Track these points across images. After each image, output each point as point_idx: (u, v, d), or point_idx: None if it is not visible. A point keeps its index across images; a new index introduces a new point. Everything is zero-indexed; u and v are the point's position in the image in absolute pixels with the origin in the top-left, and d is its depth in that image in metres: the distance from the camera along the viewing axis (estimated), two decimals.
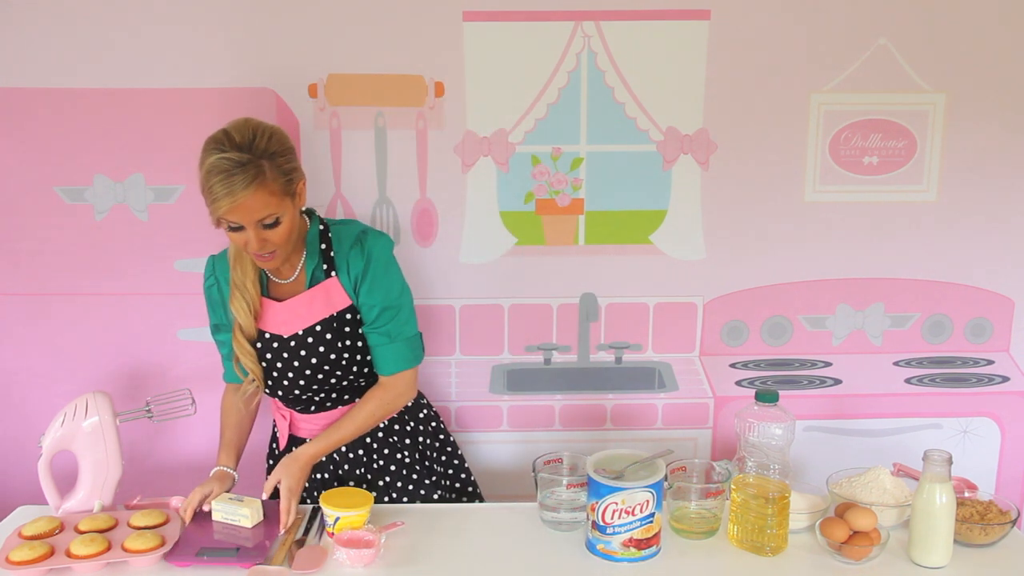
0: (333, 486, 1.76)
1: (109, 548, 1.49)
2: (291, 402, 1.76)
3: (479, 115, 1.99)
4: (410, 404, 1.81)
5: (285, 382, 1.70)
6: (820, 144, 2.03)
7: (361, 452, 1.77)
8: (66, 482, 1.68)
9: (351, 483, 1.76)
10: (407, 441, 1.80)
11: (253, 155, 1.49)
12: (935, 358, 2.17)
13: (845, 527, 1.49)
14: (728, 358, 2.15)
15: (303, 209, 1.68)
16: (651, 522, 1.47)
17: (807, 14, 1.96)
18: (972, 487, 1.67)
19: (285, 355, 1.68)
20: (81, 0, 1.90)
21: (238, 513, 1.58)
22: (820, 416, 2.18)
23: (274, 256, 1.58)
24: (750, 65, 1.99)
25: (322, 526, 1.59)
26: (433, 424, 1.87)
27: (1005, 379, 2.18)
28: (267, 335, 1.68)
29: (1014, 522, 1.55)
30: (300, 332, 1.67)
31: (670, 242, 2.07)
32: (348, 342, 1.68)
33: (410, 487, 1.78)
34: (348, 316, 1.68)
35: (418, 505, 1.75)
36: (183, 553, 1.50)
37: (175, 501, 1.67)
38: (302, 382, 1.69)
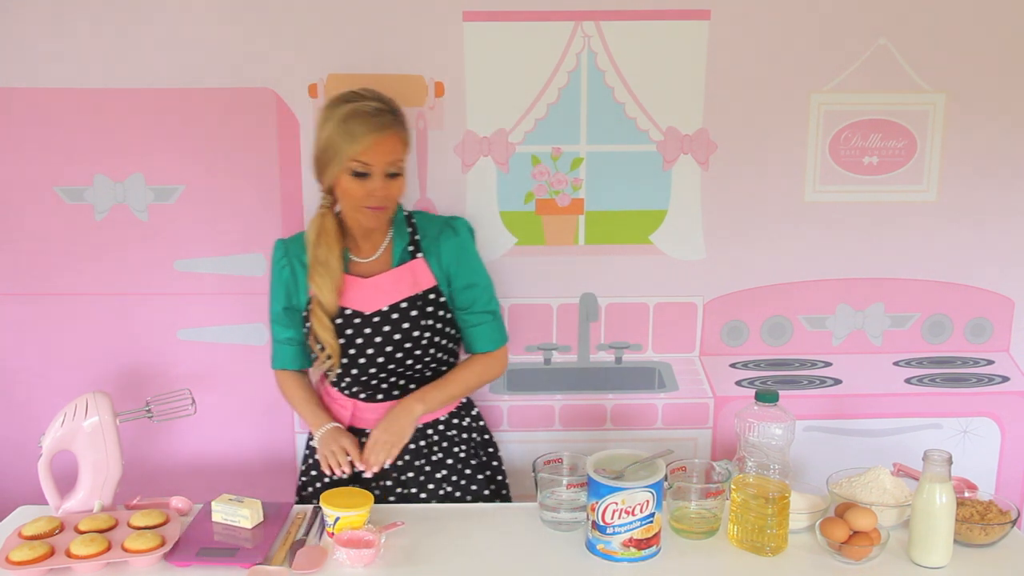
0: (394, 477, 1.77)
1: (109, 548, 1.49)
2: (361, 386, 1.76)
3: (479, 115, 1.99)
4: (464, 401, 1.87)
5: (361, 360, 1.71)
6: (820, 144, 2.03)
7: (422, 444, 1.79)
8: (66, 482, 1.68)
9: (410, 474, 1.77)
10: (463, 436, 1.83)
11: (388, 106, 1.63)
12: (935, 358, 2.17)
13: (845, 527, 1.49)
14: (728, 358, 2.15)
15: None
16: (651, 522, 1.48)
17: (807, 14, 1.96)
18: (972, 487, 1.67)
19: (367, 331, 1.70)
20: (81, 0, 1.90)
21: (238, 514, 1.58)
22: (820, 416, 2.18)
23: (384, 212, 1.66)
24: (750, 65, 1.99)
25: (322, 526, 1.59)
26: (481, 423, 1.90)
27: (1005, 379, 2.18)
28: (347, 311, 1.71)
29: (1014, 522, 1.55)
30: (384, 309, 1.70)
31: (670, 242, 2.07)
32: (429, 322, 1.72)
33: (462, 482, 1.81)
34: (431, 296, 1.73)
35: (418, 505, 1.75)
36: (183, 553, 1.50)
37: (175, 501, 1.67)
38: (380, 359, 1.71)
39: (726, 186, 2.05)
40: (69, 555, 1.47)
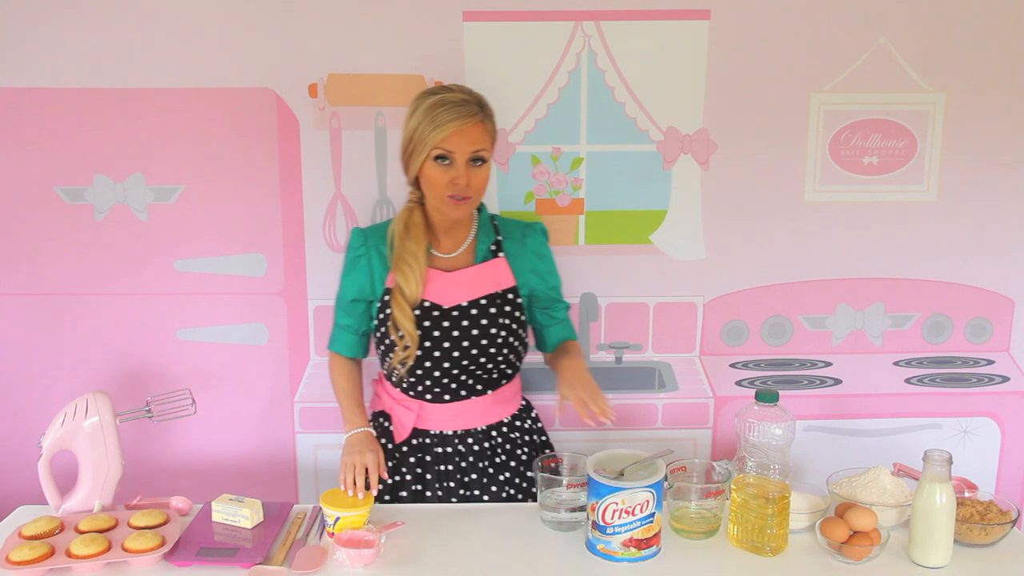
0: (457, 479, 1.77)
1: (109, 548, 1.49)
2: (427, 388, 1.75)
3: None
4: (524, 403, 1.89)
5: (436, 353, 1.72)
6: (820, 144, 2.03)
7: (487, 445, 1.79)
8: (66, 482, 1.68)
9: (473, 476, 1.78)
10: (525, 438, 1.84)
11: (475, 99, 1.66)
12: (935, 358, 2.17)
13: (845, 527, 1.49)
14: (728, 358, 2.15)
15: None
16: (651, 522, 1.47)
17: (807, 14, 1.96)
18: (972, 487, 1.67)
19: (445, 324, 1.71)
20: (81, 1, 1.90)
21: (238, 514, 1.58)
22: (820, 416, 2.19)
23: (467, 202, 1.66)
24: (750, 65, 1.99)
25: (322, 526, 1.59)
26: (539, 424, 1.92)
27: (1005, 379, 2.18)
28: (426, 304, 1.72)
29: (1014, 522, 1.55)
30: (464, 304, 1.72)
31: (670, 242, 2.07)
32: (506, 321, 1.74)
33: (524, 484, 1.81)
34: (510, 296, 1.75)
35: (418, 505, 1.75)
36: (183, 553, 1.50)
37: (175, 501, 1.67)
38: (455, 354, 1.72)
39: (726, 186, 2.05)
40: (69, 555, 1.47)
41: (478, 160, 1.64)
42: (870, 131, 2.03)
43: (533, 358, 2.14)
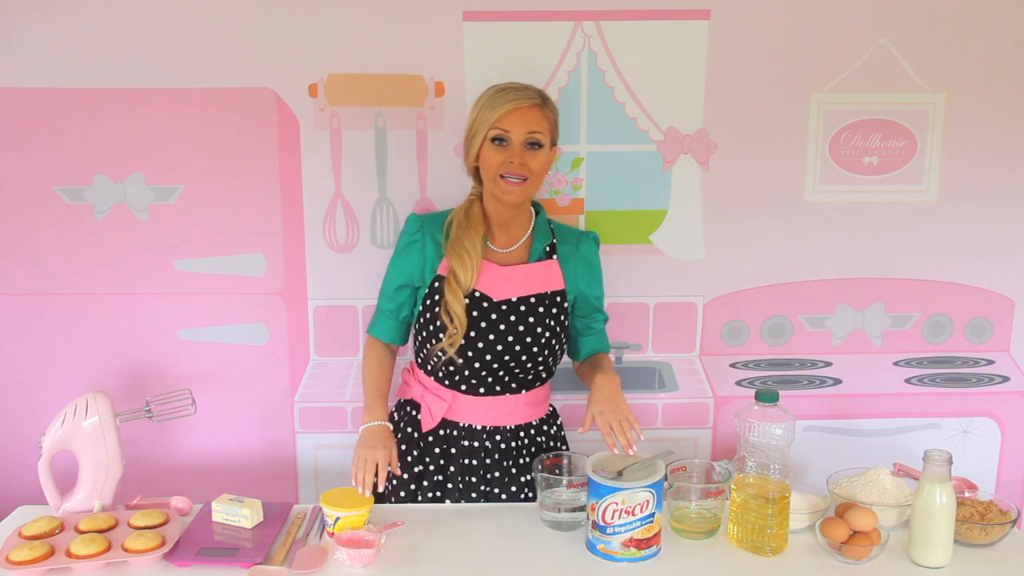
0: (480, 475, 1.78)
1: (109, 548, 1.49)
2: (468, 374, 1.75)
3: None
4: (552, 409, 1.90)
5: (480, 344, 1.72)
6: (820, 144, 2.03)
7: (514, 445, 1.80)
8: (66, 482, 1.68)
9: (496, 473, 1.78)
10: (549, 444, 1.86)
11: (537, 91, 1.72)
12: (935, 358, 2.17)
13: (845, 527, 1.49)
14: (728, 358, 2.15)
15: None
16: (651, 522, 1.48)
17: (807, 14, 1.96)
18: (972, 487, 1.67)
19: (493, 316, 1.73)
20: (81, 0, 1.90)
21: (238, 514, 1.58)
22: (820, 416, 2.18)
23: (524, 185, 1.68)
24: (750, 65, 1.99)
25: (322, 526, 1.59)
26: (564, 433, 1.93)
27: (1005, 379, 2.18)
28: (477, 294, 1.73)
29: (1014, 522, 1.55)
30: (513, 299, 1.73)
31: (670, 242, 2.07)
32: (550, 322, 1.76)
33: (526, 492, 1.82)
34: (558, 299, 1.78)
35: (418, 505, 1.75)
36: (183, 553, 1.50)
37: (175, 501, 1.67)
38: (499, 347, 1.72)
39: (726, 186, 2.05)
40: (69, 555, 1.47)
41: (535, 144, 1.68)
42: (870, 131, 2.03)
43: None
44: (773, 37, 1.97)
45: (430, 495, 1.79)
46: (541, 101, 1.70)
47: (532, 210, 1.82)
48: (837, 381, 2.17)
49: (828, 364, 2.17)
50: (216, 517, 1.61)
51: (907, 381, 2.17)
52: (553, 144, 1.74)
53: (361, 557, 1.47)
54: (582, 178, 2.04)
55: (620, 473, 1.50)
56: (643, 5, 1.95)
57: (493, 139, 1.68)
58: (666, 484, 1.57)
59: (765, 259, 2.09)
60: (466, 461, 1.78)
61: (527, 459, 1.81)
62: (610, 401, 1.63)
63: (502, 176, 1.68)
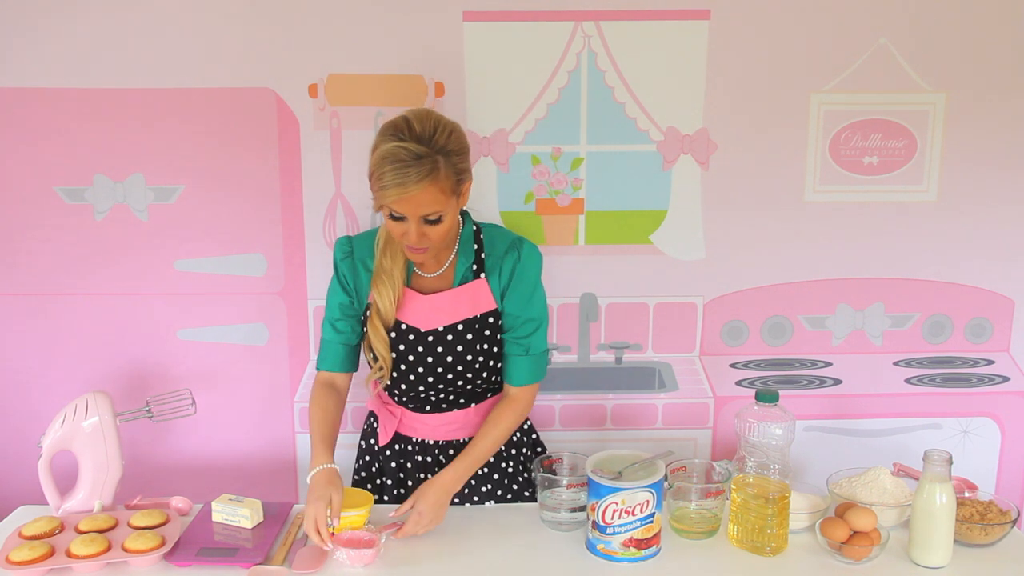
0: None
1: (109, 548, 1.49)
2: (409, 399, 1.73)
3: (479, 115, 1.99)
4: None
5: (412, 376, 1.68)
6: (820, 144, 2.03)
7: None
8: (66, 482, 1.69)
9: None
10: (512, 452, 1.80)
11: (431, 149, 1.47)
12: (935, 358, 2.17)
13: (845, 527, 1.49)
14: (728, 358, 2.15)
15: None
16: (651, 522, 1.48)
17: (807, 14, 1.96)
18: (972, 487, 1.67)
19: (420, 349, 1.66)
20: (81, 1, 1.90)
21: (238, 514, 1.58)
22: (820, 416, 2.18)
23: (426, 252, 1.57)
24: (750, 65, 1.99)
25: None
26: (534, 435, 1.88)
27: (1005, 379, 2.18)
28: (403, 326, 1.66)
29: (1014, 522, 1.55)
30: (440, 329, 1.66)
31: (670, 242, 2.07)
32: (485, 346, 1.68)
33: (508, 497, 1.79)
34: (490, 320, 1.68)
35: None
36: (183, 553, 1.50)
37: (175, 501, 1.67)
38: (430, 379, 1.68)
39: (726, 186, 2.05)
40: (69, 555, 1.47)
41: (432, 220, 1.52)
42: (870, 131, 2.03)
43: None
44: (773, 37, 1.97)
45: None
46: (432, 169, 1.47)
47: (459, 222, 1.68)
48: (837, 381, 2.17)
49: (828, 364, 2.17)
50: (216, 517, 1.61)
51: (907, 381, 2.17)
52: (464, 187, 1.56)
53: (361, 557, 1.47)
54: (582, 178, 2.03)
55: (620, 473, 1.50)
56: (643, 5, 1.95)
57: (390, 214, 1.52)
58: (666, 484, 1.57)
59: (765, 259, 2.09)
60: (422, 475, 1.74)
61: (485, 470, 1.76)
62: (434, 508, 1.57)
63: (404, 244, 1.57)
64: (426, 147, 1.47)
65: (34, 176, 1.99)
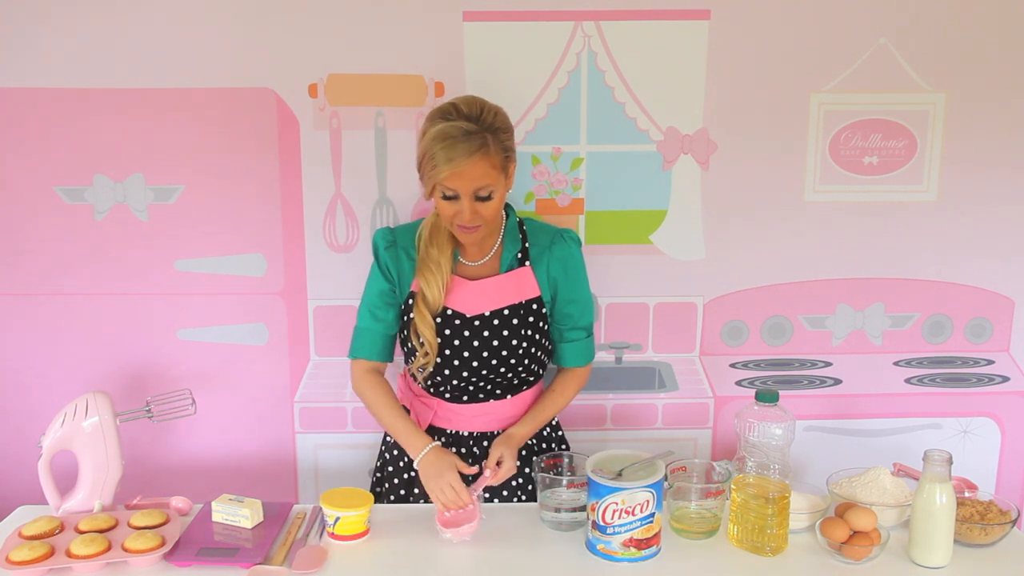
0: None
1: (109, 548, 1.49)
2: (448, 388, 1.74)
3: None
4: None
5: (456, 362, 1.71)
6: (820, 144, 2.03)
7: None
8: (66, 482, 1.68)
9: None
10: (543, 446, 1.84)
11: (480, 127, 1.55)
12: (935, 358, 2.17)
13: (845, 527, 1.49)
14: (728, 358, 2.15)
15: None
16: (651, 522, 1.48)
17: (807, 14, 1.96)
18: (972, 487, 1.67)
19: (466, 333, 1.70)
20: (81, 1, 1.90)
21: (238, 514, 1.58)
22: (820, 416, 2.18)
23: (478, 231, 1.63)
24: (750, 65, 1.99)
25: (322, 526, 1.59)
26: (560, 432, 1.91)
27: (1005, 379, 2.18)
28: (449, 312, 1.70)
29: (1014, 522, 1.55)
30: (486, 314, 1.70)
31: (670, 242, 2.07)
32: (528, 332, 1.72)
33: (530, 487, 1.80)
34: (534, 307, 1.73)
35: (418, 505, 1.75)
36: (183, 553, 1.50)
37: (175, 501, 1.67)
38: (474, 363, 1.70)
39: (726, 186, 2.05)
40: (69, 555, 1.47)
41: (484, 197, 1.58)
42: (870, 131, 2.03)
43: None
44: (773, 37, 1.97)
45: (421, 503, 1.77)
46: (482, 144, 1.54)
47: (503, 214, 1.74)
48: (837, 381, 2.17)
49: (828, 364, 2.17)
50: (216, 517, 1.61)
51: (907, 381, 2.17)
52: (510, 167, 1.63)
53: (464, 532, 1.53)
54: (582, 178, 2.03)
55: (620, 473, 1.50)
56: (643, 5, 1.95)
57: (442, 195, 1.59)
58: (666, 484, 1.57)
59: (765, 259, 2.09)
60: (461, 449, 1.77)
61: (516, 463, 1.76)
62: (515, 458, 1.67)
63: (457, 223, 1.62)
64: (475, 124, 1.55)
65: (34, 176, 1.99)
